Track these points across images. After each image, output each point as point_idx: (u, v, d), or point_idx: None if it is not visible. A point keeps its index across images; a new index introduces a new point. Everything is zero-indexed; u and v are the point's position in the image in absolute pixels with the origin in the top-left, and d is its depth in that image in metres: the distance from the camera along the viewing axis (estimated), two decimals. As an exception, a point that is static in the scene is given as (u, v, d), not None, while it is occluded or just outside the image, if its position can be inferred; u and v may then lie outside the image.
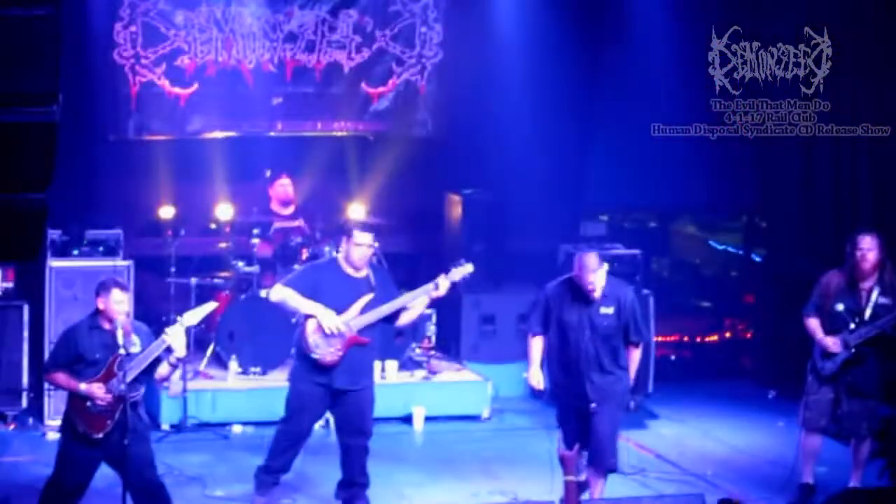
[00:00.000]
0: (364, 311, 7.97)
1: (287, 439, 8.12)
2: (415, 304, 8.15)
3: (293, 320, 8.82)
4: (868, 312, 8.23)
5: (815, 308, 8.41)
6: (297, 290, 7.97)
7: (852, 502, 6.63)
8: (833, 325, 8.32)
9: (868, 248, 8.20)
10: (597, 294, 7.84)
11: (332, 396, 8.02)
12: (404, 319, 8.26)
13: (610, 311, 7.86)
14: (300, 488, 8.64)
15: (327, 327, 7.86)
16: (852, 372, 8.27)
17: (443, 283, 8.03)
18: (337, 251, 10.89)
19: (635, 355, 8.00)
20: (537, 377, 8.00)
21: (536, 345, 8.03)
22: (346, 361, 7.95)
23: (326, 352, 7.89)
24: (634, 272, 10.98)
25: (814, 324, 8.39)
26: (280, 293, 8.01)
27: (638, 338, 7.98)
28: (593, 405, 7.79)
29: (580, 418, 7.86)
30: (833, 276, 8.40)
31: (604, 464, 7.83)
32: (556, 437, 7.57)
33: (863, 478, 8.29)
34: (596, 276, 7.82)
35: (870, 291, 8.24)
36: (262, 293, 10.64)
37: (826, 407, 8.32)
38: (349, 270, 8.05)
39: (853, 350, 8.22)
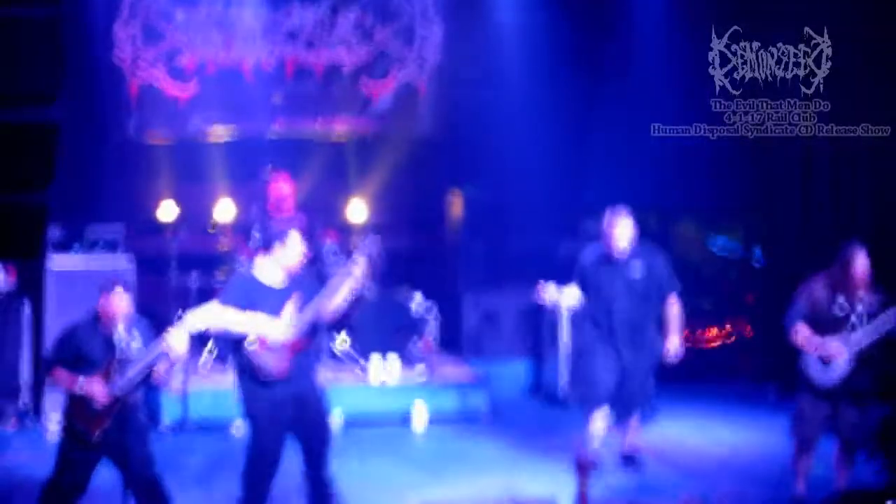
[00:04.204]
0: (297, 314, 7.50)
1: (262, 467, 7.59)
2: (338, 293, 7.60)
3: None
4: (862, 317, 8.11)
5: (802, 317, 8.15)
6: (233, 305, 7.42)
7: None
8: (825, 333, 8.08)
9: (865, 262, 8.06)
10: (622, 248, 8.34)
11: (290, 407, 7.54)
12: (328, 310, 7.64)
13: (640, 269, 8.42)
14: None
15: (274, 339, 7.41)
16: (851, 378, 8.07)
17: (357, 267, 7.62)
18: (335, 251, 10.96)
19: (675, 307, 8.59)
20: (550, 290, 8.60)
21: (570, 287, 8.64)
22: (295, 367, 7.50)
23: (275, 366, 7.44)
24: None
25: (806, 332, 8.11)
26: (220, 318, 7.38)
27: (672, 288, 8.56)
28: (623, 353, 8.46)
29: (615, 375, 8.50)
30: (819, 283, 8.17)
31: (633, 408, 8.68)
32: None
33: (850, 479, 8.26)
34: (622, 229, 8.37)
35: (857, 296, 8.13)
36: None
37: (823, 422, 8.18)
38: (269, 281, 7.56)
39: (854, 356, 8.10)
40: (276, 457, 7.56)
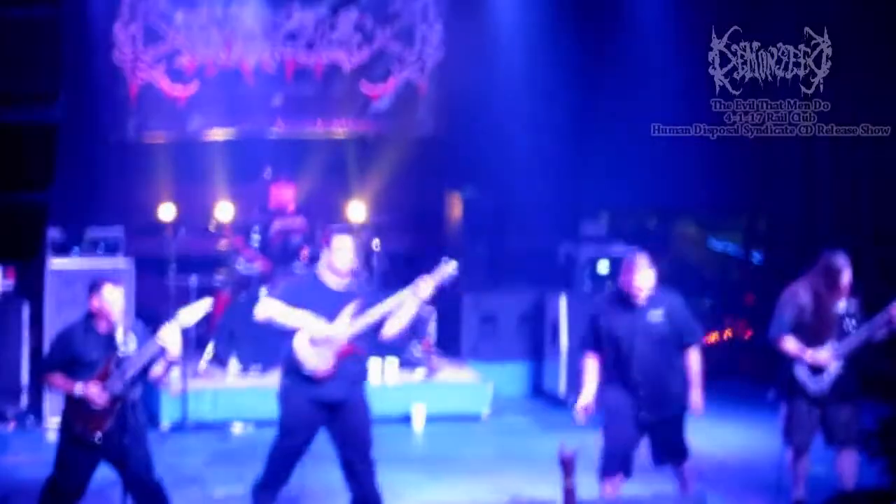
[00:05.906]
0: (353, 319, 7.56)
1: (283, 458, 7.73)
2: (402, 310, 7.64)
3: None
4: (846, 322, 8.08)
5: (789, 326, 8.08)
6: (287, 299, 7.55)
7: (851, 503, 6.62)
8: (812, 340, 8.06)
9: (847, 269, 8.00)
10: (643, 296, 7.74)
11: (328, 411, 7.62)
12: (391, 328, 7.68)
13: (659, 315, 7.77)
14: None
15: (318, 333, 7.47)
16: (839, 381, 8.08)
17: (424, 286, 7.62)
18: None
19: (694, 357, 7.89)
20: (586, 399, 7.79)
21: (589, 365, 7.88)
22: (340, 372, 7.55)
23: (319, 364, 7.50)
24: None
25: (793, 343, 8.06)
26: (267, 308, 7.55)
27: (692, 339, 7.88)
28: (643, 414, 7.75)
29: (639, 429, 7.84)
30: (802, 291, 8.10)
31: (680, 459, 8.02)
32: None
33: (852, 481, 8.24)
34: (643, 277, 7.74)
35: (841, 302, 8.10)
36: (263, 292, 10.67)
37: (815, 425, 8.17)
38: (332, 283, 7.64)
39: (843, 360, 8.05)
40: (298, 451, 7.69)
